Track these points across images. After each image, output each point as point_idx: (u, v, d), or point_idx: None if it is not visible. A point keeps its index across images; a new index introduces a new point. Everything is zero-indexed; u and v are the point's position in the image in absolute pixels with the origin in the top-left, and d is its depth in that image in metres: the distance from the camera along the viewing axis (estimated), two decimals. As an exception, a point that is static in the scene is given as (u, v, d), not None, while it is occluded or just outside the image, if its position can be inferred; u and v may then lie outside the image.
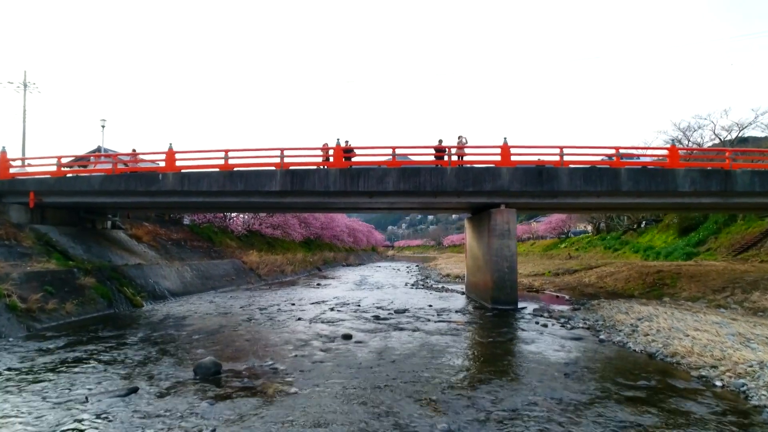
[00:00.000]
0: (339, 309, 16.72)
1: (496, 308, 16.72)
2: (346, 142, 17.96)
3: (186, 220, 32.25)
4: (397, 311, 15.93)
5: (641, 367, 8.58)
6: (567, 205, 18.41)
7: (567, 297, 20.46)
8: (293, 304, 18.10)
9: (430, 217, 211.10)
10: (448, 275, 36.30)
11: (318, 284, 28.41)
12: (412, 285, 28.24)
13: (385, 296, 21.51)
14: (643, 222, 42.96)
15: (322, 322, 13.68)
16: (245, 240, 37.00)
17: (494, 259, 17.22)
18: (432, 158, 17.55)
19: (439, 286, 26.97)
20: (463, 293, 22.49)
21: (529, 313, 15.46)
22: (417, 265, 59.47)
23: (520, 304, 17.19)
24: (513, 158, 17.04)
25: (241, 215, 41.91)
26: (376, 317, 14.59)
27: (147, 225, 26.25)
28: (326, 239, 61.41)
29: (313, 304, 18.49)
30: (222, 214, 34.96)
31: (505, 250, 17.14)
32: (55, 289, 14.21)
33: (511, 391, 7.19)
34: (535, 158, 17.34)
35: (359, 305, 17.93)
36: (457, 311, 16.35)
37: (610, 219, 51.05)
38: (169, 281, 20.49)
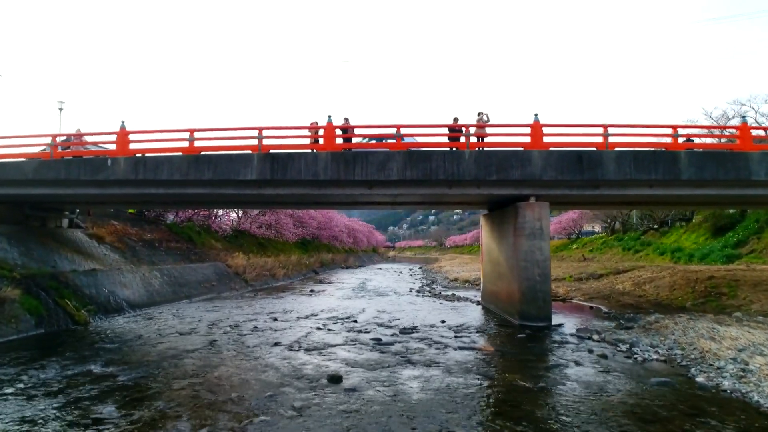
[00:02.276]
0: (330, 327, 13.41)
1: (525, 325, 13.44)
2: (346, 119, 14.69)
3: (170, 219, 28.97)
4: (403, 331, 12.63)
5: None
6: (612, 198, 15.12)
7: (605, 309, 17.14)
8: (275, 319, 14.80)
9: (431, 218, 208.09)
10: (456, 279, 33.03)
11: (311, 291, 25.12)
12: (418, 291, 24.95)
13: (388, 307, 18.21)
14: (669, 220, 39.57)
15: (306, 350, 10.37)
16: (233, 241, 33.67)
17: (522, 264, 13.92)
18: (445, 141, 14.30)
19: (449, 293, 23.67)
20: (478, 303, 19.19)
21: (570, 334, 12.16)
22: (420, 267, 56.18)
23: (554, 319, 13.91)
24: (546, 140, 13.78)
25: (232, 212, 38.70)
26: (377, 341, 11.28)
27: (115, 223, 22.96)
28: (324, 240, 58.10)
29: (300, 318, 15.18)
30: (207, 212, 31.68)
31: (536, 253, 13.83)
32: (-42, 305, 10.94)
33: None
34: (572, 139, 14.02)
35: (356, 320, 14.64)
36: (477, 330, 13.05)
37: (627, 217, 47.67)
38: (129, 290, 17.19)
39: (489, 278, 17.91)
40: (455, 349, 10.33)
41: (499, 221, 16.51)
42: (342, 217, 69.51)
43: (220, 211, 34.98)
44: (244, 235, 36.29)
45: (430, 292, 24.65)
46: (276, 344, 10.89)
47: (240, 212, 38.59)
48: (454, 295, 22.46)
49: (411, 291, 25.22)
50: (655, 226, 41.72)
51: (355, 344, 10.93)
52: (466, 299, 20.84)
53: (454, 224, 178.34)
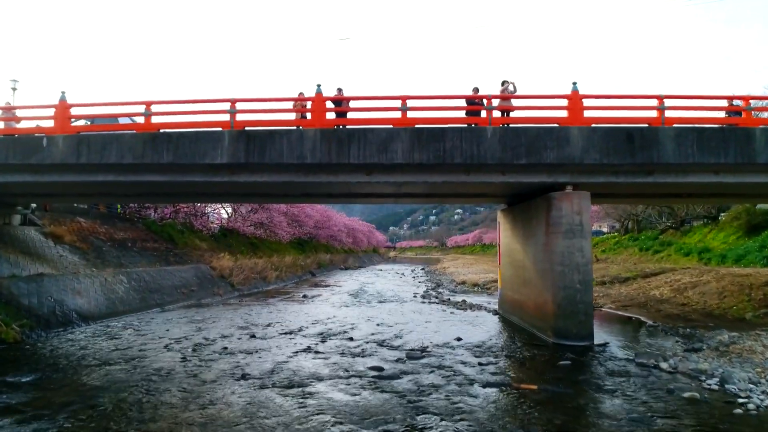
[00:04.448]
0: (319, 348, 10.70)
1: (561, 345, 10.77)
2: (339, 90, 12.04)
3: (153, 216, 26.26)
4: (410, 354, 9.92)
5: None
6: (666, 188, 12.41)
7: (648, 321, 14.45)
8: (254, 336, 12.11)
9: (432, 218, 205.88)
10: (463, 282, 30.34)
11: (304, 296, 22.43)
12: (423, 297, 22.26)
13: (390, 317, 15.52)
14: (689, 219, 36.84)
15: (281, 387, 7.67)
16: (221, 241, 30.99)
17: (558, 268, 11.23)
18: (461, 118, 11.62)
19: (458, 299, 20.96)
20: (495, 313, 16.49)
21: (627, 359, 9.47)
22: (422, 269, 53.49)
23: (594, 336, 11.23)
24: (587, 114, 11.12)
25: (223, 209, 36.02)
26: (377, 371, 8.59)
27: (81, 221, 20.27)
28: (322, 240, 55.46)
29: (284, 334, 12.49)
30: (192, 208, 28.99)
31: (575, 255, 11.15)
32: None
33: None
34: (618, 114, 11.35)
35: (352, 338, 11.94)
36: (504, 353, 10.36)
37: (642, 215, 44.83)
38: (83, 298, 14.49)
39: (510, 284, 15.21)
40: (483, 387, 7.63)
41: (523, 216, 13.83)
42: (341, 216, 66.97)
43: (209, 208, 32.33)
44: (233, 235, 33.62)
45: (436, 297, 21.97)
46: (243, 377, 8.19)
47: (230, 209, 35.96)
48: (464, 301, 19.75)
49: (415, 296, 22.54)
50: (675, 225, 38.99)
51: (348, 377, 8.22)
52: (479, 307, 18.15)
53: (455, 224, 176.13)
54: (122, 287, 16.72)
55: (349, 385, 7.77)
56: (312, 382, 7.92)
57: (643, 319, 15.04)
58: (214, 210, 34.36)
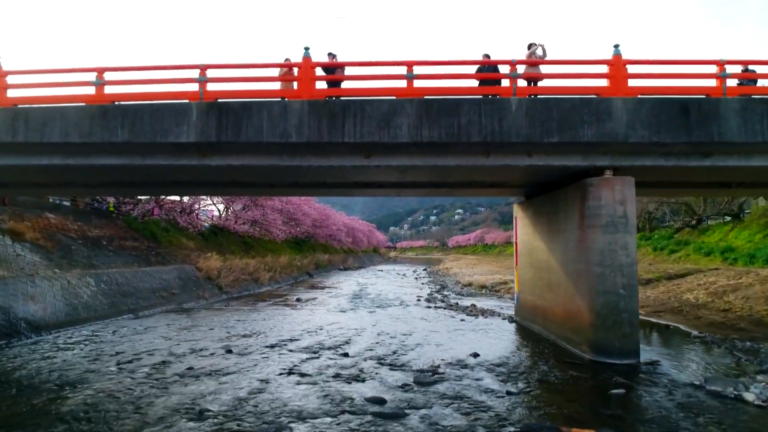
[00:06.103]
0: (306, 369, 8.71)
1: (601, 363, 8.84)
2: (331, 55, 10.10)
3: (136, 212, 24.31)
4: (418, 378, 7.94)
5: None
6: (724, 173, 10.38)
7: (693, 331, 12.47)
8: (230, 351, 10.13)
9: (433, 218, 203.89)
10: (470, 284, 28.34)
11: (297, 300, 20.50)
12: (428, 300, 20.32)
13: (392, 326, 13.56)
14: (706, 217, 34.88)
15: (246, 431, 5.71)
16: (211, 239, 29.03)
17: (595, 270, 9.28)
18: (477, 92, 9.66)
19: (466, 303, 18.98)
20: (511, 320, 14.52)
21: (690, 384, 7.50)
22: (424, 269, 51.53)
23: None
24: (631, 83, 9.19)
25: (215, 206, 34.12)
26: (378, 404, 6.62)
27: (50, 216, 18.33)
28: (320, 239, 53.53)
29: (266, 348, 10.52)
30: (179, 204, 27.03)
31: (618, 253, 9.19)
32: None
33: None
34: (668, 83, 9.41)
35: (347, 353, 9.97)
36: (534, 374, 8.39)
37: (657, 212, 42.83)
38: (37, 304, 12.53)
39: (530, 288, 13.23)
40: (521, 430, 5.66)
41: (548, 209, 11.86)
42: (341, 215, 65.03)
43: (198, 204, 30.40)
44: (224, 233, 31.64)
45: (442, 301, 20.00)
46: (200, 413, 6.22)
47: (222, 206, 34.05)
48: (474, 306, 17.78)
49: (419, 300, 20.59)
50: (692, 223, 37.01)
51: (338, 413, 6.26)
52: (491, 312, 16.20)
53: (455, 224, 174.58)
54: (88, 291, 14.75)
55: (339, 426, 5.80)
56: (291, 422, 5.95)
57: (683, 328, 13.09)
58: (204, 206, 32.50)
